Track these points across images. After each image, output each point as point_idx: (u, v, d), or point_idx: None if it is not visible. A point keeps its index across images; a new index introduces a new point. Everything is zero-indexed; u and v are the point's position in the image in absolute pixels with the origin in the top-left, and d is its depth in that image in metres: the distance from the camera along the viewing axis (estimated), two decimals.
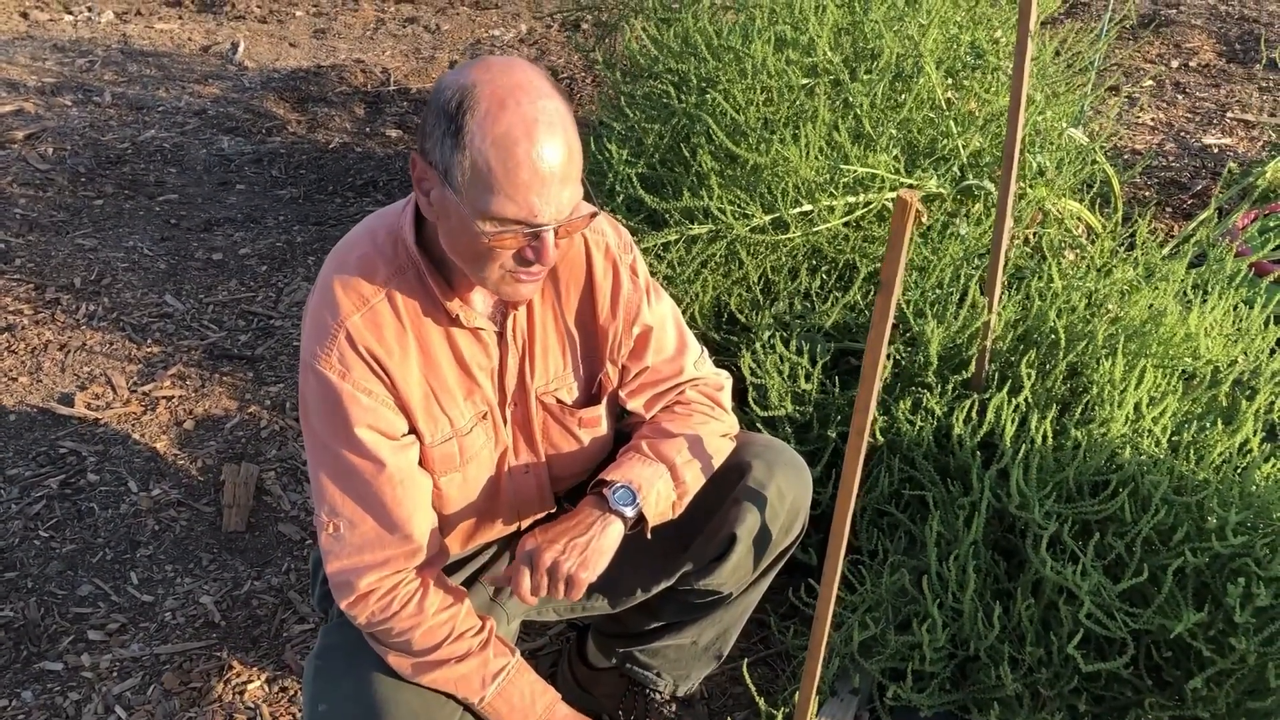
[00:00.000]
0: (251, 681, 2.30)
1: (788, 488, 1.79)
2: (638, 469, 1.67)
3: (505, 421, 1.70)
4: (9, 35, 6.30)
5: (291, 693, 2.28)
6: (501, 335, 1.64)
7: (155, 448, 2.92)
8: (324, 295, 1.55)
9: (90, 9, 6.95)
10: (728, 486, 1.77)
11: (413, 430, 1.61)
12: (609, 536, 1.61)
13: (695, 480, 1.72)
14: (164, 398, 3.12)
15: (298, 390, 3.13)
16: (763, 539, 1.79)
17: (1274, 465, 2.08)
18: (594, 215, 1.54)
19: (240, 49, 6.18)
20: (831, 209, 2.54)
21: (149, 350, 3.34)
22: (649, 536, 1.68)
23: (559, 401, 1.73)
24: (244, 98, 5.47)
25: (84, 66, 5.82)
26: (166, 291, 3.66)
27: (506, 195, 1.38)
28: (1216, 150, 4.52)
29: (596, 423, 1.78)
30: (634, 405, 1.78)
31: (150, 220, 4.20)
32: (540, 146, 1.37)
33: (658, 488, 1.66)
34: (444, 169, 1.40)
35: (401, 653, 1.61)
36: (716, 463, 1.76)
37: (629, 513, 1.62)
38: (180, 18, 6.90)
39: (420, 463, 1.63)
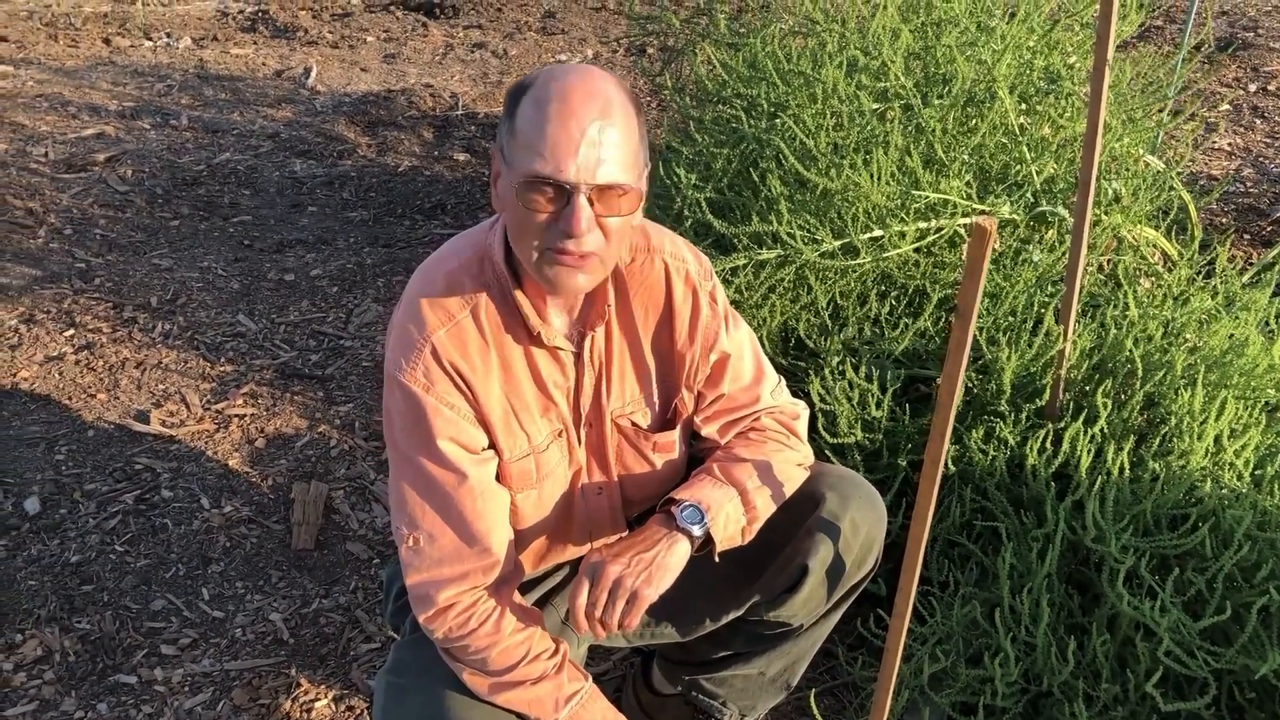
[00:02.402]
0: (319, 700, 2.32)
1: (862, 520, 1.77)
2: (708, 490, 1.66)
3: (580, 442, 1.71)
4: (92, 61, 6.49)
5: (358, 711, 2.30)
6: (578, 356, 1.65)
7: (227, 465, 2.97)
8: (410, 310, 1.58)
9: (169, 35, 7.14)
10: (801, 517, 1.76)
11: (492, 445, 1.63)
12: (675, 554, 1.60)
13: (766, 507, 1.70)
14: (236, 416, 3.17)
15: (369, 408, 3.19)
16: (835, 572, 1.77)
17: None
18: (626, 193, 1.46)
19: (312, 74, 6.31)
20: (902, 234, 2.52)
21: (222, 369, 3.40)
22: (716, 559, 1.67)
23: (634, 425, 1.73)
24: (316, 121, 5.57)
25: (162, 91, 5.97)
26: (240, 311, 3.73)
27: (536, 152, 1.41)
28: None
29: (670, 447, 1.78)
30: (708, 431, 1.78)
31: (224, 241, 4.29)
32: (574, 108, 1.41)
33: (727, 510, 1.65)
34: (502, 148, 1.48)
35: (478, 671, 1.61)
36: (789, 490, 1.75)
37: (696, 532, 1.61)
38: (255, 43, 7.06)
39: (498, 479, 1.64)
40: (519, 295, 1.57)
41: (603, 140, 1.42)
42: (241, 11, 7.83)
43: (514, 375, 1.61)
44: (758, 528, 1.71)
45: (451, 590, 1.59)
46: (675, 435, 1.77)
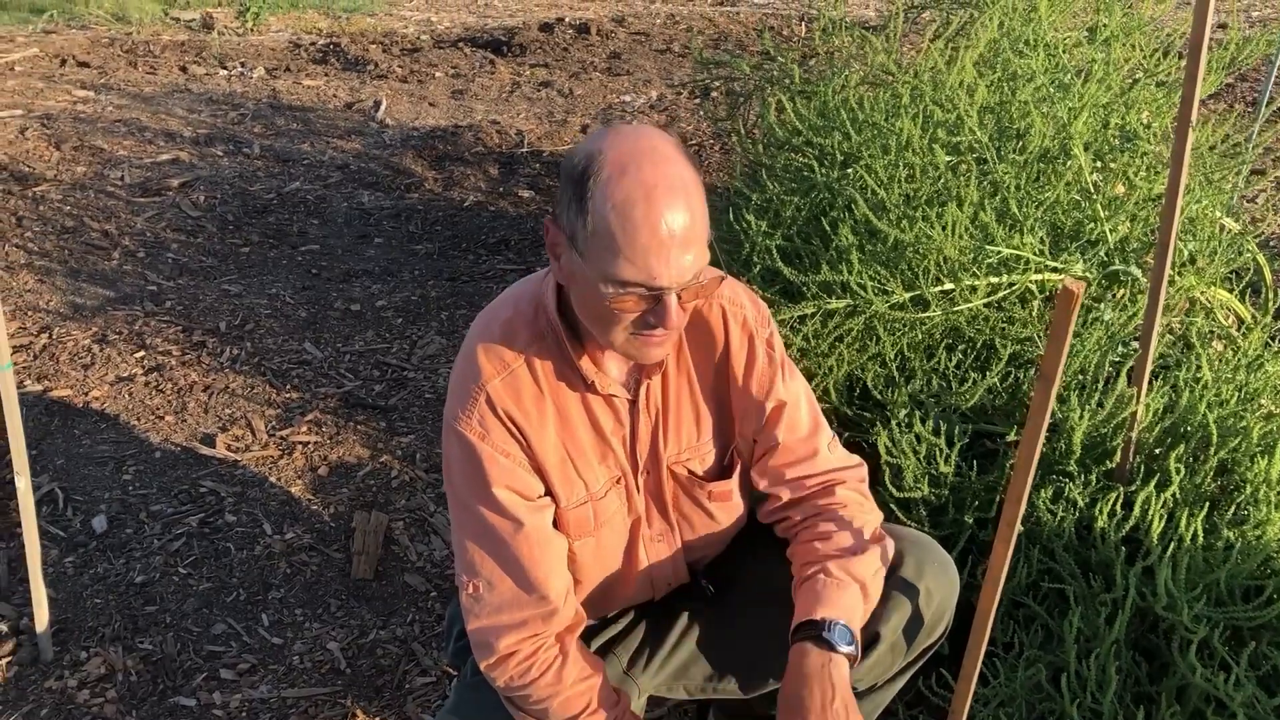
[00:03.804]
0: None
1: (936, 588, 1.74)
2: (841, 598, 1.60)
3: (639, 489, 1.71)
4: (169, 88, 6.66)
5: None
6: (634, 403, 1.66)
7: (290, 491, 3.01)
8: (468, 359, 1.61)
9: (243, 64, 7.32)
10: None
11: (549, 493, 1.64)
12: (847, 679, 1.55)
13: (878, 594, 1.68)
14: (300, 443, 3.21)
15: (431, 439, 3.22)
16: (905, 638, 1.75)
17: None
18: (721, 279, 1.56)
19: (382, 107, 6.42)
20: (974, 289, 2.51)
21: (288, 396, 3.45)
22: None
23: (690, 473, 1.73)
24: (384, 154, 5.67)
25: (235, 119, 6.11)
26: (306, 339, 3.79)
27: (625, 258, 1.41)
28: None
29: (728, 496, 1.77)
30: (765, 485, 1.75)
31: (293, 269, 4.36)
32: (659, 210, 1.40)
33: (858, 614, 1.61)
34: (571, 233, 1.45)
35: None
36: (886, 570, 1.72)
37: (853, 651, 1.56)
38: (326, 75, 7.21)
39: (556, 526, 1.65)
40: (571, 346, 1.59)
41: (688, 238, 1.43)
42: (314, 43, 8.01)
43: (570, 423, 1.63)
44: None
45: (512, 637, 1.60)
46: (732, 484, 1.76)
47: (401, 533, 2.87)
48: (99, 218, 4.66)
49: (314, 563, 2.77)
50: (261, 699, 2.38)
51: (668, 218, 1.40)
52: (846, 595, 1.61)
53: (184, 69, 7.14)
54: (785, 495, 1.75)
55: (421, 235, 4.75)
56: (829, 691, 1.52)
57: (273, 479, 3.05)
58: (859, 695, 1.83)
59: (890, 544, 1.73)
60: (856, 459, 1.84)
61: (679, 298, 1.46)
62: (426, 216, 4.93)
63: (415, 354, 3.73)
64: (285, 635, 2.55)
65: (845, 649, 1.55)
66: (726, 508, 1.79)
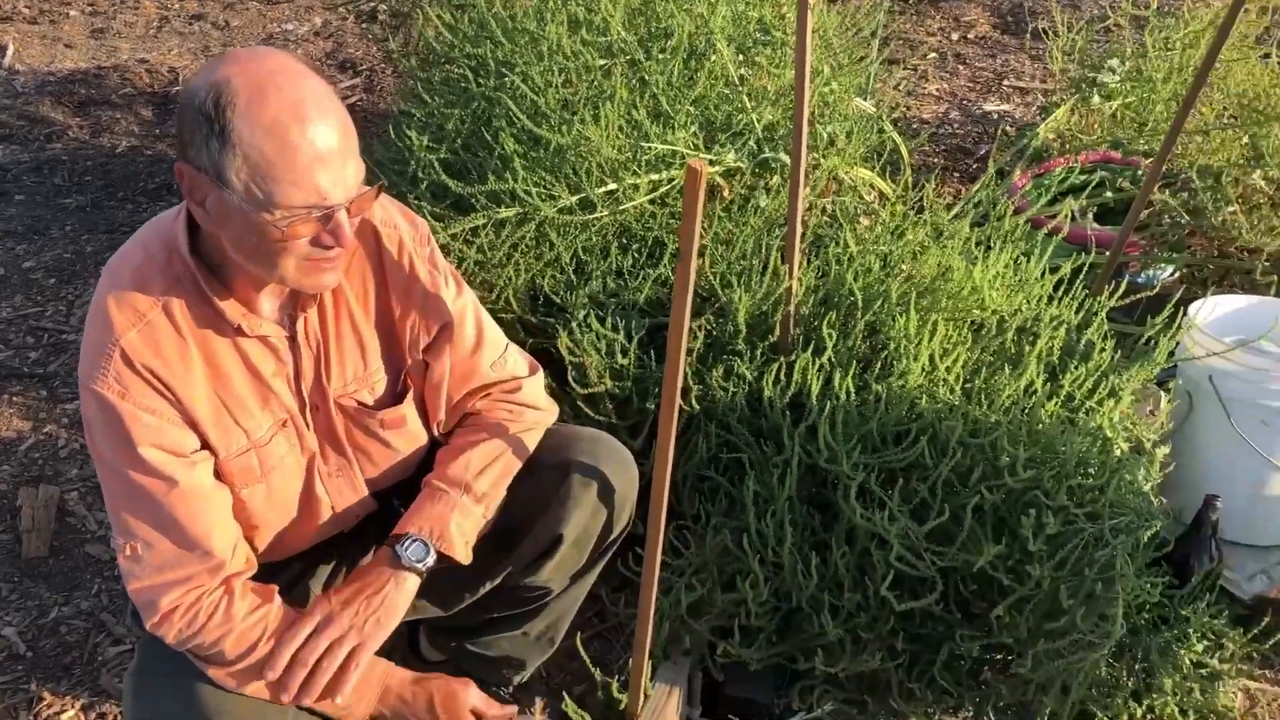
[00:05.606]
0: (65, 711, 2.18)
1: (615, 483, 1.80)
2: (428, 509, 1.66)
3: (309, 427, 1.66)
4: None
5: (110, 717, 2.18)
6: (293, 339, 1.59)
7: None
8: (98, 313, 1.49)
9: None
10: (553, 486, 1.77)
11: (205, 445, 1.55)
12: (404, 593, 1.62)
13: (496, 484, 1.71)
14: None
15: None
16: (588, 536, 1.81)
17: (1056, 404, 2.24)
18: (381, 187, 1.53)
19: (9, 52, 5.81)
20: (636, 187, 2.58)
21: None
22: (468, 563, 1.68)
23: (359, 404, 1.68)
24: (17, 104, 5.14)
25: None
26: None
27: (290, 182, 1.35)
28: (996, 116, 4.79)
29: (400, 423, 1.73)
30: (436, 407, 1.75)
31: None
32: (315, 125, 1.35)
33: (456, 520, 1.65)
34: (216, 172, 1.35)
35: (218, 665, 1.56)
36: (520, 457, 1.75)
37: (426, 565, 1.62)
38: None
39: (218, 476, 1.58)
40: (212, 289, 1.50)
41: (346, 149, 1.39)
42: None
43: (222, 370, 1.54)
44: (498, 503, 1.72)
45: (175, 593, 1.53)
46: (404, 410, 1.73)
47: (77, 503, 2.68)
48: None
49: None
50: None
51: (324, 132, 1.35)
52: (438, 505, 1.66)
53: None
54: (450, 419, 1.77)
55: (70, 188, 4.36)
56: (375, 602, 1.58)
57: None
58: (553, 594, 1.89)
59: (525, 436, 1.77)
60: (523, 369, 1.84)
61: (348, 212, 1.42)
62: (74, 167, 4.53)
63: (74, 315, 3.46)
64: None
65: (415, 564, 1.61)
66: (403, 434, 1.75)
